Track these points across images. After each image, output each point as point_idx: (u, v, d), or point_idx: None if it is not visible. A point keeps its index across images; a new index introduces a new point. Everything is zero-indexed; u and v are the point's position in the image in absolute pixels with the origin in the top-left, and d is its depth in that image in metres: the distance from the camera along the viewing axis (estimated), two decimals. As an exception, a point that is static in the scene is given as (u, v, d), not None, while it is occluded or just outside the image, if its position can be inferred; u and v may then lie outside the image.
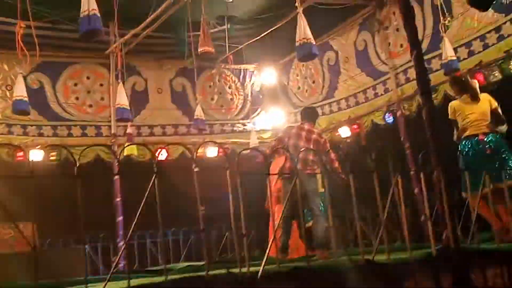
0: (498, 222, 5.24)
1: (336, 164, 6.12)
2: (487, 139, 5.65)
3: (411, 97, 8.54)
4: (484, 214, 5.23)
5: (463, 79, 6.21)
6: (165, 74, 10.57)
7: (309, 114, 6.63)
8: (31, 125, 9.16)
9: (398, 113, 8.76)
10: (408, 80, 8.67)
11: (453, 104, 5.96)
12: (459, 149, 5.73)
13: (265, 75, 11.02)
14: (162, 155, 9.39)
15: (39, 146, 8.89)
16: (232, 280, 3.13)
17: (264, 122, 11.14)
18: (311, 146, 6.07)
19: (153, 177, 3.01)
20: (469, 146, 5.65)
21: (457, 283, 3.40)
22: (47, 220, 7.62)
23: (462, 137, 5.78)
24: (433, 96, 7.21)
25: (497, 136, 5.69)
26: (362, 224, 4.66)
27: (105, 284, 2.79)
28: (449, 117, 5.94)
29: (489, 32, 7.40)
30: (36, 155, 8.61)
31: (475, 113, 5.79)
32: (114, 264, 3.70)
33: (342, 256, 3.68)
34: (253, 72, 11.32)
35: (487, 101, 5.87)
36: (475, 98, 5.86)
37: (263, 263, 3.20)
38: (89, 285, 2.79)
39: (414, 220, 7.76)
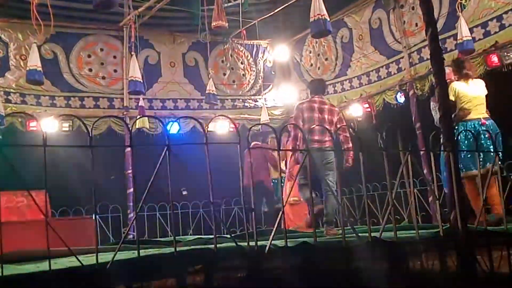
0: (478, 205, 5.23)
1: (350, 144, 5.99)
2: (488, 123, 5.68)
3: (424, 76, 8.49)
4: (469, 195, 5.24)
5: (466, 62, 6.15)
6: (178, 48, 10.55)
7: (317, 86, 6.41)
8: (44, 95, 9.21)
9: (410, 93, 8.72)
10: (421, 60, 8.61)
11: (455, 85, 5.89)
12: (460, 129, 5.72)
13: (277, 51, 10.96)
14: (173, 129, 9.45)
15: (52, 116, 8.97)
16: (240, 254, 3.17)
17: (275, 98, 11.13)
18: (326, 117, 5.96)
19: (165, 150, 3.04)
20: (472, 128, 5.65)
21: (462, 263, 3.43)
22: (59, 190, 7.78)
23: (463, 119, 5.77)
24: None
25: (493, 122, 5.74)
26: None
27: (115, 254, 2.84)
28: (450, 97, 5.89)
29: (506, 12, 7.30)
30: (49, 125, 8.69)
31: (477, 97, 5.80)
32: (124, 234, 3.76)
33: (349, 233, 3.71)
34: (266, 48, 11.27)
35: (483, 87, 5.88)
36: (474, 83, 5.89)
37: (270, 238, 3.23)
38: (99, 254, 2.84)
39: (422, 200, 7.80)
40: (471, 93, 5.78)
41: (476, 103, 5.76)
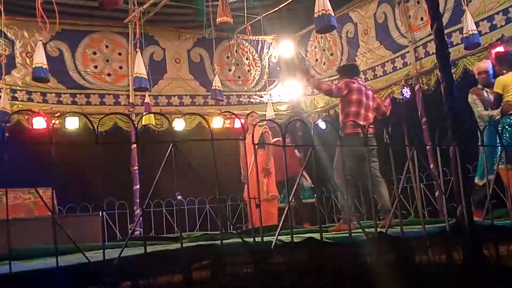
0: None
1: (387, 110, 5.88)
2: None
3: (430, 71, 8.46)
4: None
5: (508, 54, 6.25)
6: (183, 44, 10.55)
7: (355, 69, 6.28)
8: (50, 93, 9.25)
9: (416, 87, 8.69)
10: (427, 54, 8.58)
11: (502, 78, 5.96)
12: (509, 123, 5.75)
13: (282, 47, 10.94)
14: (179, 125, 9.47)
15: (58, 114, 9.00)
16: (246, 250, 3.18)
17: (280, 94, 11.12)
18: (370, 103, 5.79)
19: (170, 146, 3.05)
20: None
21: (469, 258, 3.42)
22: (66, 187, 7.83)
23: (509, 112, 5.82)
24: (452, 70, 7.17)
25: None
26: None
27: (122, 250, 2.86)
28: (496, 90, 5.96)
29: (512, 5, 7.27)
30: (56, 122, 8.71)
31: None
32: (131, 231, 3.78)
33: (355, 228, 3.71)
34: (271, 44, 11.25)
35: None
36: None
37: (277, 234, 3.24)
38: (106, 250, 2.86)
39: (428, 194, 7.79)
40: None
41: None
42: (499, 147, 5.30)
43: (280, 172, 7.93)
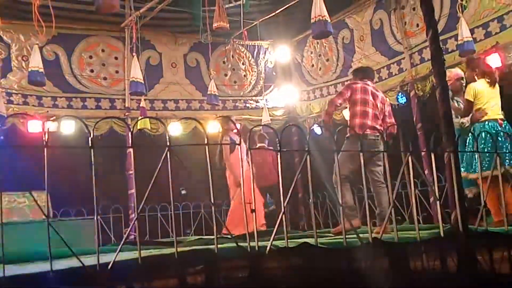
0: (499, 214, 5.23)
1: (394, 130, 5.59)
2: (504, 124, 5.71)
3: (425, 77, 8.48)
4: (489, 200, 5.23)
5: (482, 63, 6.18)
6: (179, 48, 10.56)
7: (369, 72, 6.14)
8: (46, 96, 9.23)
9: (412, 93, 8.72)
10: (423, 60, 8.60)
11: (474, 86, 5.91)
12: (472, 131, 5.72)
13: (279, 52, 10.96)
14: (175, 130, 9.47)
15: (54, 117, 8.99)
16: (241, 254, 3.18)
17: (276, 99, 11.14)
18: (378, 104, 5.66)
19: (166, 151, 3.05)
20: (489, 129, 5.65)
21: (463, 264, 3.44)
22: (61, 191, 7.80)
23: (481, 120, 5.78)
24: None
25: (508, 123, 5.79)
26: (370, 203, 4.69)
27: (116, 255, 2.85)
28: (468, 98, 5.89)
29: (507, 13, 7.29)
30: (51, 126, 8.70)
31: (495, 98, 5.83)
32: (125, 235, 3.78)
33: (350, 233, 3.71)
34: (267, 49, 11.27)
35: (498, 88, 5.91)
36: (493, 83, 5.87)
37: (271, 239, 3.24)
38: (100, 254, 2.85)
39: (423, 200, 7.80)
40: (489, 94, 5.80)
41: (493, 103, 5.79)
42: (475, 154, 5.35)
43: (262, 179, 7.99)
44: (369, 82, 5.85)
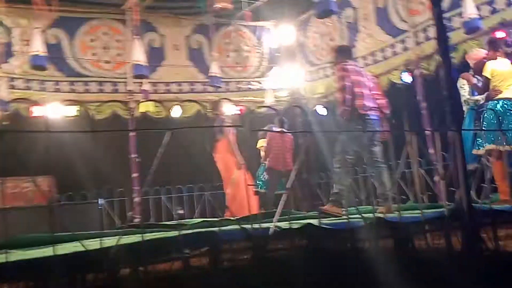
0: (506, 193, 5.23)
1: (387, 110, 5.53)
2: None
3: (430, 56, 8.38)
4: (497, 175, 5.24)
5: (500, 40, 6.21)
6: (181, 30, 10.48)
7: (350, 52, 6.13)
8: (49, 81, 9.20)
9: (416, 72, 8.64)
10: (427, 39, 8.50)
11: (492, 63, 5.93)
12: (489, 107, 5.72)
13: (282, 33, 10.87)
14: (178, 112, 9.43)
15: (56, 102, 8.96)
16: (244, 236, 3.18)
17: (280, 80, 11.06)
18: (369, 84, 5.64)
19: (169, 134, 3.03)
20: (505, 107, 5.67)
21: (467, 242, 3.42)
22: (65, 175, 7.83)
23: (494, 98, 5.80)
24: (453, 55, 7.13)
25: None
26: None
27: (119, 238, 2.85)
28: (485, 74, 5.92)
29: (513, -11, 7.19)
30: (54, 111, 8.69)
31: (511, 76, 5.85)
32: (129, 218, 3.78)
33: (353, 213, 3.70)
34: (270, 30, 11.17)
35: None
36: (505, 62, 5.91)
37: (274, 220, 3.24)
38: (104, 238, 2.86)
39: (428, 179, 7.77)
40: (506, 73, 5.80)
41: (510, 83, 5.79)
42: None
43: (281, 164, 7.99)
44: (354, 63, 5.84)
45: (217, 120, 7.85)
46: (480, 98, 6.19)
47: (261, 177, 8.84)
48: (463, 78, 6.46)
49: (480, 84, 6.28)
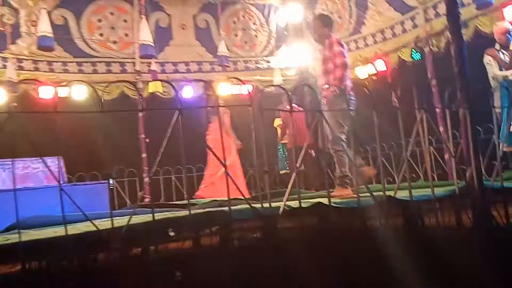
0: None
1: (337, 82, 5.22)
2: None
3: (440, 33, 8.29)
4: None
5: None
6: (188, 9, 10.41)
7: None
8: (57, 62, 9.20)
9: (426, 50, 8.55)
10: (437, 16, 8.39)
11: None
12: None
13: (290, 11, 10.75)
14: (186, 92, 9.42)
15: (65, 83, 8.98)
16: (254, 215, 3.18)
17: (288, 59, 10.98)
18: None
19: (176, 113, 3.02)
20: None
21: (478, 220, 3.41)
22: (75, 156, 7.86)
23: None
24: (463, 31, 7.03)
25: None
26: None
27: (130, 218, 2.87)
28: None
29: (525, -39, 7.06)
30: (63, 91, 8.72)
31: None
32: (139, 198, 3.80)
33: (363, 192, 3.69)
34: (278, 8, 11.07)
35: None
36: None
37: (284, 199, 3.23)
38: (115, 218, 2.87)
39: (438, 158, 7.75)
40: None
41: None
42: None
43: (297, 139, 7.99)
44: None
45: (210, 100, 7.79)
46: (510, 73, 6.14)
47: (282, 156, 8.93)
48: (488, 54, 6.41)
49: (507, 59, 6.27)
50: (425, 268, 3.06)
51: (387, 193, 3.52)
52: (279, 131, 9.14)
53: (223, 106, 7.27)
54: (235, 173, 7.19)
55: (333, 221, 3.36)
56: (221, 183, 7.37)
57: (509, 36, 6.42)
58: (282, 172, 9.35)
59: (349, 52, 9.92)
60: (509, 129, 5.68)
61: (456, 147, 4.96)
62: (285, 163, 9.16)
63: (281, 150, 9.07)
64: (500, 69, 6.27)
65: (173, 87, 3.60)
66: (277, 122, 9.25)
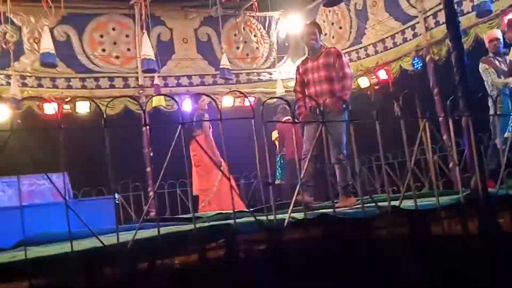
0: None
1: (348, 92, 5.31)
2: None
3: (441, 41, 8.33)
4: None
5: None
6: (190, 23, 10.48)
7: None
8: (60, 78, 9.26)
9: (427, 58, 8.57)
10: (438, 24, 8.44)
11: None
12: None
13: (290, 22, 10.82)
14: (189, 106, 9.45)
15: (68, 99, 9.03)
16: (259, 228, 3.18)
17: (290, 70, 11.02)
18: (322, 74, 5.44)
19: (179, 128, 3.04)
20: None
21: (484, 228, 3.40)
22: (81, 171, 7.88)
23: None
24: (464, 39, 7.07)
25: None
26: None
27: (135, 233, 2.87)
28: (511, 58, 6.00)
29: (524, -32, 7.11)
30: (66, 107, 8.76)
31: None
32: (144, 213, 3.80)
33: (367, 203, 3.69)
34: (279, 19, 11.13)
35: None
36: None
37: (289, 211, 3.24)
38: (121, 233, 2.87)
39: (443, 166, 7.73)
40: None
41: None
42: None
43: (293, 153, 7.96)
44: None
45: (197, 115, 7.68)
46: (510, 80, 6.16)
47: (278, 168, 8.89)
48: (484, 63, 6.43)
49: (501, 66, 6.29)
50: (432, 277, 3.06)
51: (392, 202, 3.51)
52: (277, 143, 9.11)
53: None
54: (225, 191, 6.98)
55: (338, 232, 3.36)
56: (218, 201, 7.31)
57: (497, 43, 6.44)
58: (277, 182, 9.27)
59: (350, 62, 10.02)
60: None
61: (460, 155, 4.97)
62: (279, 173, 9.06)
63: (280, 161, 9.03)
64: (499, 76, 6.28)
65: (176, 101, 3.63)
66: (275, 135, 9.21)
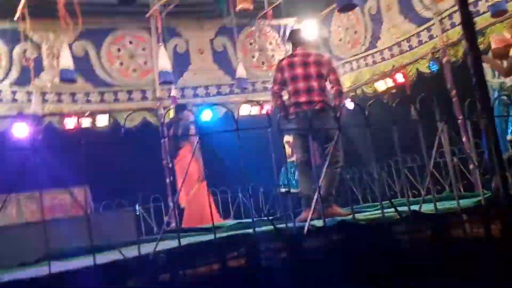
0: None
1: (341, 99, 5.19)
2: None
3: (457, 42, 8.26)
4: None
5: None
6: (205, 34, 10.55)
7: (299, 37, 5.82)
8: (79, 93, 9.39)
9: (444, 60, 8.51)
10: (453, 25, 8.37)
11: None
12: None
13: (305, 29, 10.81)
14: (207, 116, 9.51)
15: (88, 113, 9.15)
16: (279, 236, 3.19)
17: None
18: (311, 71, 5.27)
19: (197, 139, 3.07)
20: None
21: (505, 231, 3.36)
22: (102, 185, 7.96)
23: None
24: (480, 40, 7.01)
25: None
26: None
27: (157, 244, 2.90)
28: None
29: (540, -33, 7.04)
30: (86, 122, 8.88)
31: None
32: (164, 224, 3.83)
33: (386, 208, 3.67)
34: (293, 26, 11.14)
35: None
36: None
37: (308, 219, 3.24)
38: (142, 245, 2.90)
39: (463, 169, 7.66)
40: None
41: None
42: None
43: None
44: (298, 51, 5.55)
45: (181, 125, 7.58)
46: (507, 80, 6.07)
47: (291, 176, 8.78)
48: (485, 61, 6.37)
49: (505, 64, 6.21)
50: (454, 282, 3.03)
51: (412, 207, 3.50)
52: (287, 147, 9.06)
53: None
54: (200, 201, 6.83)
55: (358, 238, 3.35)
56: (189, 210, 7.18)
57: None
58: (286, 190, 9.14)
59: (366, 67, 10.00)
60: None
61: (480, 157, 4.93)
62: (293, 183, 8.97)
63: (290, 168, 8.95)
64: (498, 77, 6.18)
65: (193, 113, 3.65)
66: (287, 138, 9.17)
